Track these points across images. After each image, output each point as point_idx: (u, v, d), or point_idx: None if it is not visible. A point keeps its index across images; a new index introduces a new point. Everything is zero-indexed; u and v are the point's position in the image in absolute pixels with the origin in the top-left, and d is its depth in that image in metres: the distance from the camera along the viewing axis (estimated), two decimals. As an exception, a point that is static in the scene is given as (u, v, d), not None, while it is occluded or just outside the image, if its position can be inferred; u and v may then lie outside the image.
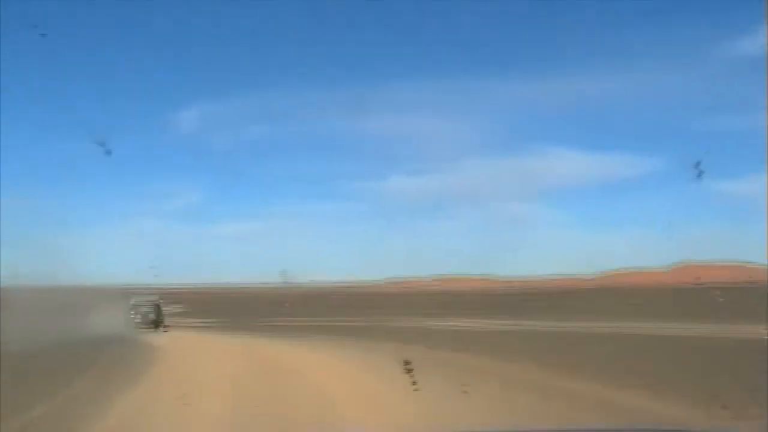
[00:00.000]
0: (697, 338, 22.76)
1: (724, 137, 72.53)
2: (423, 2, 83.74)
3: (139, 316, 32.99)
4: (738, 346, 19.22)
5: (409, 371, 11.17)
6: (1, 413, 9.90)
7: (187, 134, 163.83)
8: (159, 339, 28.27)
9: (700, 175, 8.98)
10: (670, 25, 73.74)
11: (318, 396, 12.53)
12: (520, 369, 16.36)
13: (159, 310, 34.18)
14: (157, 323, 32.86)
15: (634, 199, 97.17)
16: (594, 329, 27.86)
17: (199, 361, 20.01)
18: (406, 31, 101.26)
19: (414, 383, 10.93)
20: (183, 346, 25.22)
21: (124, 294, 38.77)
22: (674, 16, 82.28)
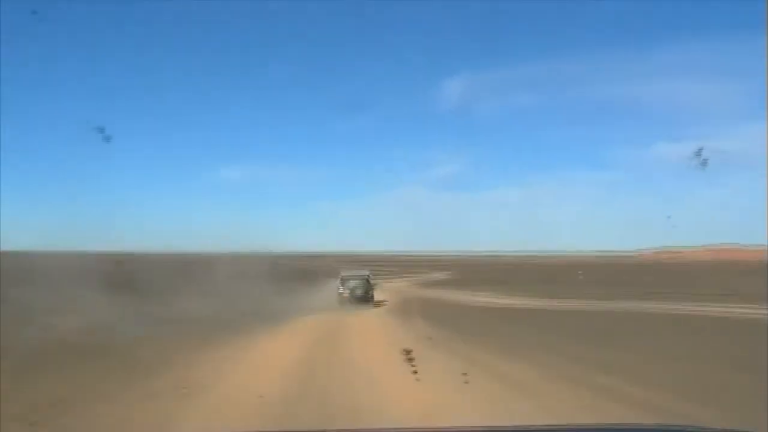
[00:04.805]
0: None
1: None
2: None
3: (347, 291, 32.57)
4: None
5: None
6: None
7: (452, 104, 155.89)
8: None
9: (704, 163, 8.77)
10: None
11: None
12: None
13: (368, 284, 33.29)
14: (366, 299, 32.36)
15: None
16: None
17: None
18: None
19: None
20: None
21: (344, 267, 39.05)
22: None
